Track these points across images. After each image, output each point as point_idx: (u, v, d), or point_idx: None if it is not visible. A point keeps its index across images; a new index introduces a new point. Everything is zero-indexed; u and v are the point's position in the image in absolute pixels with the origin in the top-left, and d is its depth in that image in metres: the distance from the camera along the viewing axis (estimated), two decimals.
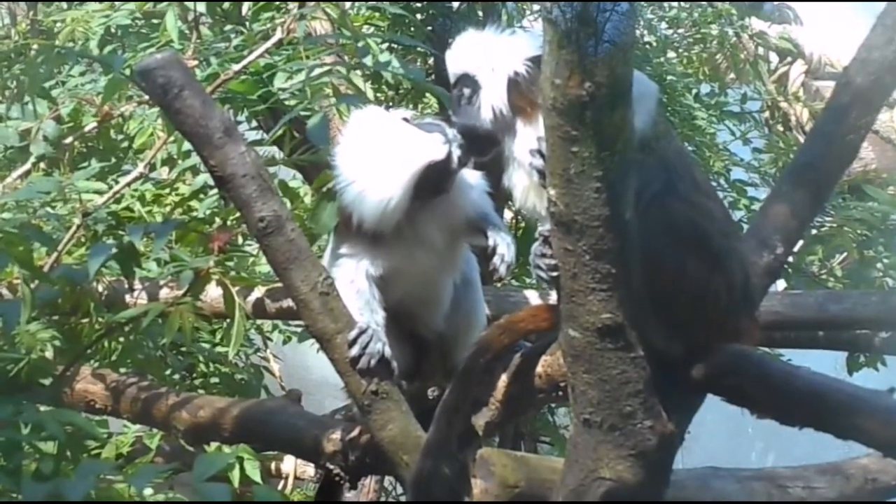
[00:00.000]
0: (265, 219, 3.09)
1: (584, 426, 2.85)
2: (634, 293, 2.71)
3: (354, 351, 3.19)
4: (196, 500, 2.77)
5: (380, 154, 3.28)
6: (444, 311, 3.57)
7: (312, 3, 4.15)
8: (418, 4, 5.48)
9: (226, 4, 4.97)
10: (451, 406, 3.16)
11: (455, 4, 5.56)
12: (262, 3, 4.63)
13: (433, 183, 3.30)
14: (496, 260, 3.37)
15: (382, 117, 3.40)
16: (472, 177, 3.45)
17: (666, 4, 6.70)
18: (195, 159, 4.21)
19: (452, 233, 3.44)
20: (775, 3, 7.37)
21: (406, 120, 3.36)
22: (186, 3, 4.43)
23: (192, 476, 2.80)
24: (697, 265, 2.90)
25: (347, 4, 5.03)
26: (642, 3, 6.39)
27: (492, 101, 3.15)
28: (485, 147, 3.24)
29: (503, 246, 3.37)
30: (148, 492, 2.97)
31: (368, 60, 4.06)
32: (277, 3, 4.67)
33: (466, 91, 3.21)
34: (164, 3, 4.42)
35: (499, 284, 4.12)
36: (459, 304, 3.58)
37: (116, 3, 5.15)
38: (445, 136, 3.26)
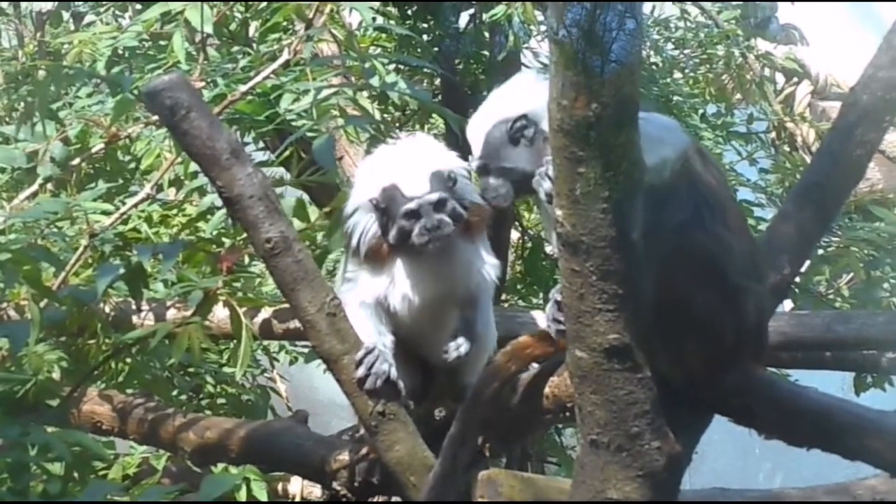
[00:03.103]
0: (272, 240, 3.10)
1: (591, 447, 2.85)
2: (642, 315, 2.70)
3: (361, 371, 3.19)
4: None
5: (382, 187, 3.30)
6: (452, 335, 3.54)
7: (320, 24, 4.15)
8: (424, 25, 5.49)
9: (232, 26, 4.98)
10: (457, 439, 3.15)
11: (461, 24, 5.57)
12: (268, 25, 4.64)
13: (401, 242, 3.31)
14: (452, 345, 3.42)
15: (416, 153, 3.39)
16: (485, 253, 3.45)
17: (672, 25, 6.70)
18: (202, 180, 4.21)
19: (445, 288, 3.44)
20: (782, 23, 7.40)
21: (450, 177, 3.33)
22: (195, 4, 4.39)
23: (199, 497, 2.80)
24: (709, 301, 2.88)
25: (354, 25, 5.04)
26: (649, 21, 6.40)
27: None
28: (521, 191, 3.16)
29: (463, 339, 3.43)
30: None
31: (375, 81, 4.07)
32: (285, 24, 4.67)
33: (528, 132, 3.11)
34: (172, 25, 4.42)
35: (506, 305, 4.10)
36: (469, 325, 3.56)
37: (129, 1, 5.12)
38: (430, 220, 3.26)
